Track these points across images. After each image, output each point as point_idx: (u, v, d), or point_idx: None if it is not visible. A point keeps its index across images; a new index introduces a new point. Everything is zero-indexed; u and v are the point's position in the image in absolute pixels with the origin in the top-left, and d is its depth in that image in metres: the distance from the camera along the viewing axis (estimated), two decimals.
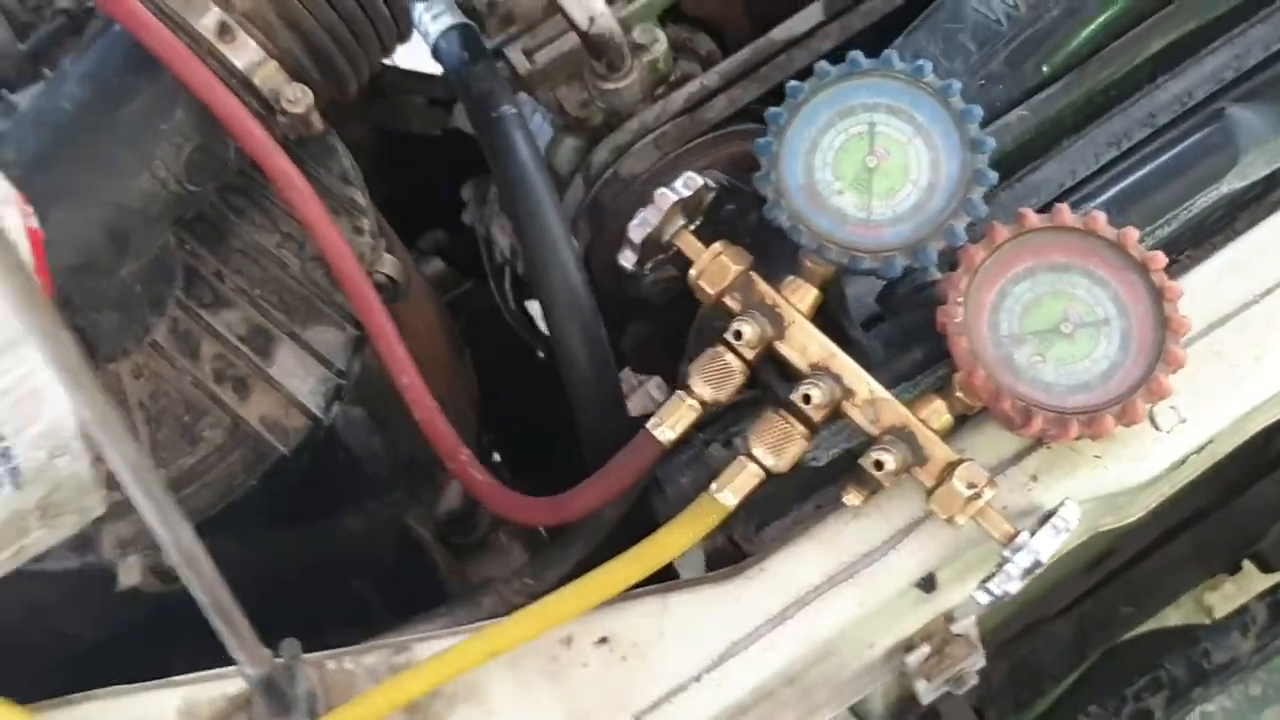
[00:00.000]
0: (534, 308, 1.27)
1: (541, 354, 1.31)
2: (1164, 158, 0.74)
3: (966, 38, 0.77)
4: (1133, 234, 0.65)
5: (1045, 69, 0.76)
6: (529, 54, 0.93)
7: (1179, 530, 1.11)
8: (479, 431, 1.10)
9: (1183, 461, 0.68)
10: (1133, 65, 0.76)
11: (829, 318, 0.71)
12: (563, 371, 0.81)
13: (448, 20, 0.90)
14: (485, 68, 0.87)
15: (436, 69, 0.99)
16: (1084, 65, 0.76)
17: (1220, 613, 1.10)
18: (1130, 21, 0.76)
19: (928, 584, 0.68)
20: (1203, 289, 0.69)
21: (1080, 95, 0.76)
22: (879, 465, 0.63)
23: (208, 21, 0.73)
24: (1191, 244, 0.73)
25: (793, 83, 0.68)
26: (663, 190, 0.68)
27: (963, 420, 0.67)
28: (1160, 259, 0.64)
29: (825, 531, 0.68)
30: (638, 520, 0.76)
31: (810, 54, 0.92)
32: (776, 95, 0.93)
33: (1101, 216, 0.65)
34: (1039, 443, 0.67)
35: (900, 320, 0.72)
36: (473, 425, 1.04)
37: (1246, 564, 1.15)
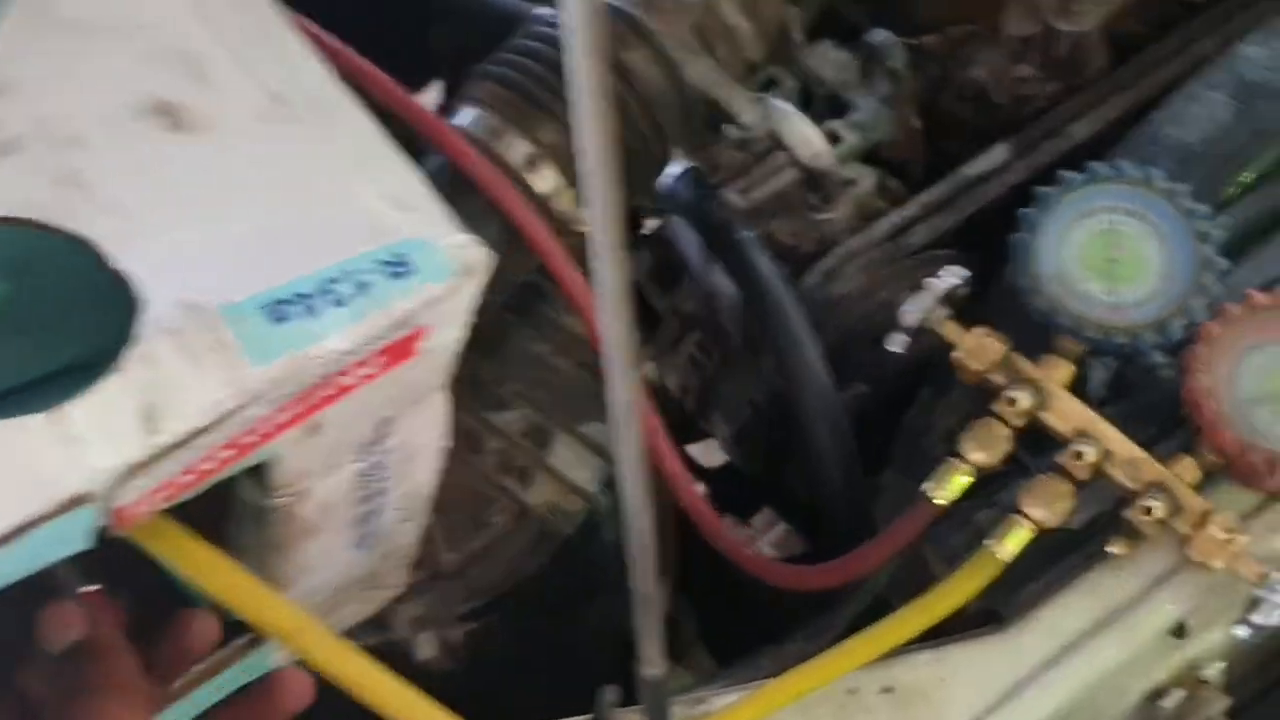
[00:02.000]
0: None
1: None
2: None
3: (1165, 160, 0.88)
4: None
5: (1239, 185, 0.87)
6: (744, 193, 1.06)
7: None
8: None
9: None
10: None
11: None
12: (809, 464, 0.90)
13: (683, 165, 1.02)
14: (719, 202, 0.99)
15: None
16: (1273, 179, 0.87)
17: None
18: None
19: (1180, 631, 0.74)
20: None
21: (1273, 204, 0.86)
22: (1148, 511, 0.71)
23: (516, 155, 0.85)
24: None
25: (1041, 189, 0.79)
26: (932, 280, 0.78)
27: (1207, 479, 0.75)
28: None
29: (1087, 583, 0.75)
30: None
31: (1001, 186, 1.04)
32: (971, 225, 1.06)
33: None
34: (1276, 498, 0.75)
35: (1133, 400, 0.81)
36: None
37: None
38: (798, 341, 0.89)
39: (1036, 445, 0.77)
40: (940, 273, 0.80)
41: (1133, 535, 0.73)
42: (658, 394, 1.35)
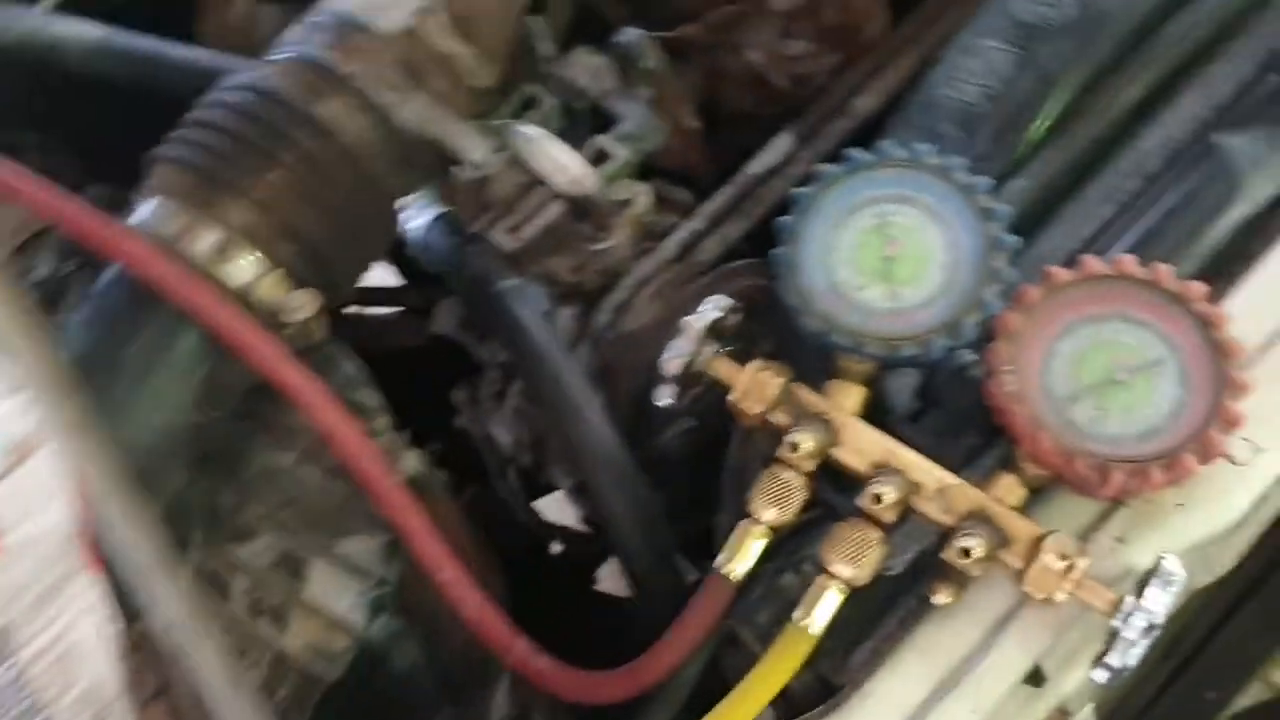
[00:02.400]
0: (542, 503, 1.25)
1: (559, 545, 1.27)
2: (1167, 200, 0.73)
3: (946, 125, 0.78)
4: (1164, 269, 0.64)
5: (1030, 139, 0.77)
6: (512, 231, 0.94)
7: (1242, 603, 1.07)
8: None
9: (1265, 497, 0.65)
10: (1113, 120, 0.77)
11: (873, 420, 0.69)
12: (610, 534, 0.78)
13: (433, 213, 0.90)
14: (477, 249, 0.87)
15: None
16: (1067, 127, 0.77)
17: None
18: (1099, 80, 0.77)
19: (1036, 678, 0.64)
20: (1245, 312, 0.67)
21: (1072, 155, 0.76)
22: (965, 553, 0.60)
23: (204, 246, 0.72)
24: (1213, 273, 0.72)
25: (795, 190, 0.68)
26: (689, 318, 0.67)
27: (1035, 494, 0.65)
28: (1199, 288, 0.63)
29: (920, 640, 0.64)
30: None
31: (789, 181, 0.93)
32: (764, 229, 0.95)
33: (1129, 258, 0.65)
34: (1117, 503, 0.64)
35: (945, 408, 0.70)
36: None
37: None
38: (574, 407, 0.78)
39: (839, 480, 0.66)
40: (700, 307, 0.68)
41: (958, 579, 0.62)
42: (492, 451, 1.23)
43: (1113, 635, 0.59)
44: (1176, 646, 1.04)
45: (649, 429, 0.96)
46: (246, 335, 0.71)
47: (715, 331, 0.68)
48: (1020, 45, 0.78)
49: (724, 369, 0.67)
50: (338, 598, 0.75)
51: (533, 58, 0.98)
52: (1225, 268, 0.72)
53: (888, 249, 0.66)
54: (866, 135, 0.94)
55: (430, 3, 0.79)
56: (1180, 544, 0.63)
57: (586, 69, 1.01)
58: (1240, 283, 0.69)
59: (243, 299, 0.73)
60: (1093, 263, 0.65)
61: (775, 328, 0.78)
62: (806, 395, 0.65)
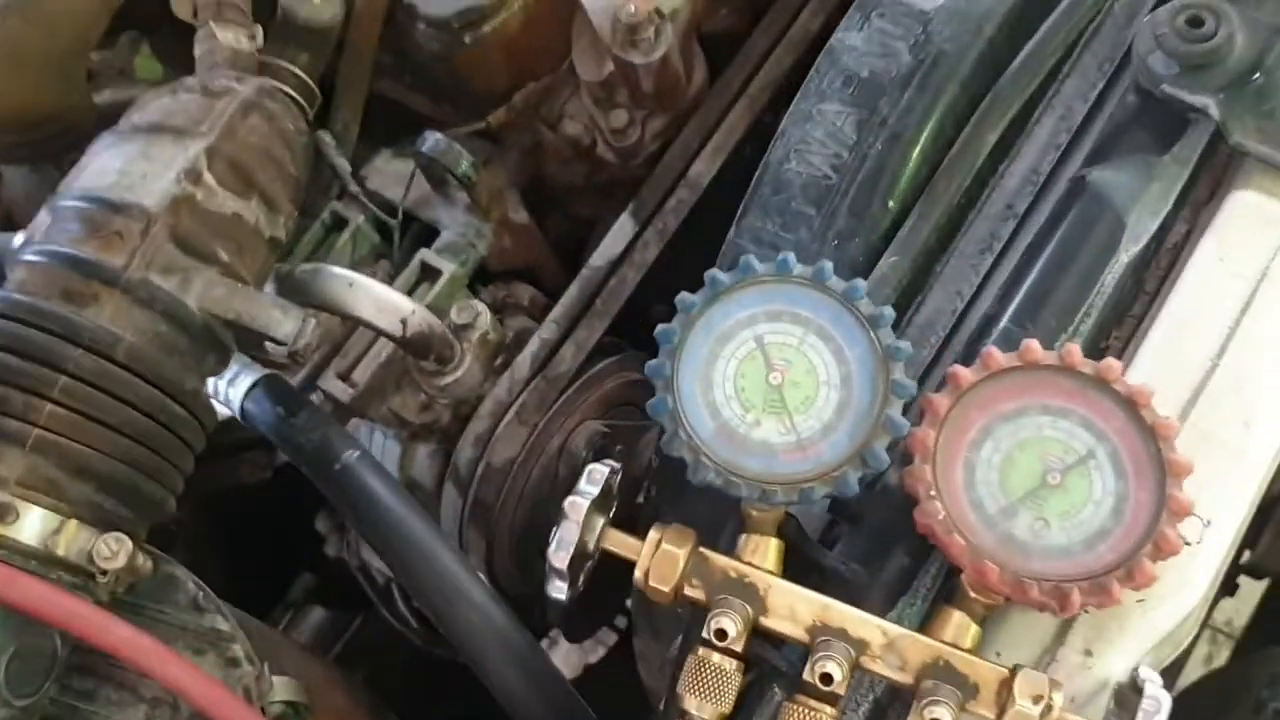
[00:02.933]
0: None
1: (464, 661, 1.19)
2: (1049, 250, 0.67)
3: (801, 203, 0.71)
4: (1074, 351, 0.58)
5: (891, 204, 0.70)
6: (344, 377, 0.84)
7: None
8: None
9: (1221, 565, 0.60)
10: (976, 166, 0.70)
11: (791, 551, 0.61)
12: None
13: (248, 380, 0.79)
14: (307, 416, 0.76)
15: None
16: (930, 186, 0.70)
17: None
18: (954, 130, 0.71)
19: None
20: (1156, 376, 0.62)
21: (940, 216, 0.69)
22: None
23: None
24: (1114, 323, 0.67)
25: (661, 327, 0.60)
26: (571, 500, 0.58)
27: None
28: (1114, 366, 0.57)
29: None
30: None
31: (638, 268, 0.86)
32: (621, 324, 0.87)
33: (1033, 345, 0.58)
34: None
35: (865, 526, 0.63)
36: None
37: (1242, 579, 1.08)
38: (454, 591, 0.68)
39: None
40: (583, 477, 0.60)
41: None
42: (370, 579, 1.13)
43: None
44: None
45: (542, 564, 0.88)
46: (46, 602, 0.60)
47: (600, 505, 0.59)
48: (860, 104, 0.71)
49: (621, 545, 0.59)
50: None
51: (330, 173, 0.88)
52: (1122, 314, 0.67)
53: (773, 375, 0.59)
54: (711, 207, 0.87)
55: (193, 160, 0.68)
56: (1150, 641, 0.58)
57: (391, 177, 0.91)
58: (1140, 341, 0.64)
59: (45, 557, 0.61)
60: (996, 356, 0.58)
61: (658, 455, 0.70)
62: (718, 561, 0.57)
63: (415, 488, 0.86)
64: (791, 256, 0.60)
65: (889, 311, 0.59)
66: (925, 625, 0.57)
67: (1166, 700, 0.53)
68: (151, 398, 0.65)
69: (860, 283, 0.60)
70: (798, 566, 0.61)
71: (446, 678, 1.21)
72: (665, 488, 0.69)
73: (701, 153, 0.86)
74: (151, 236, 0.66)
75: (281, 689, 0.69)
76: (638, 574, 0.58)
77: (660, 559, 0.57)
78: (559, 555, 0.57)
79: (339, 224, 0.90)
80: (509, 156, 0.93)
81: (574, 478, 0.85)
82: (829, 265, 0.60)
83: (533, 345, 0.84)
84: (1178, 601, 0.58)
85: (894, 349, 0.58)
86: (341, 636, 1.26)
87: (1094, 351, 0.65)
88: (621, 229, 0.86)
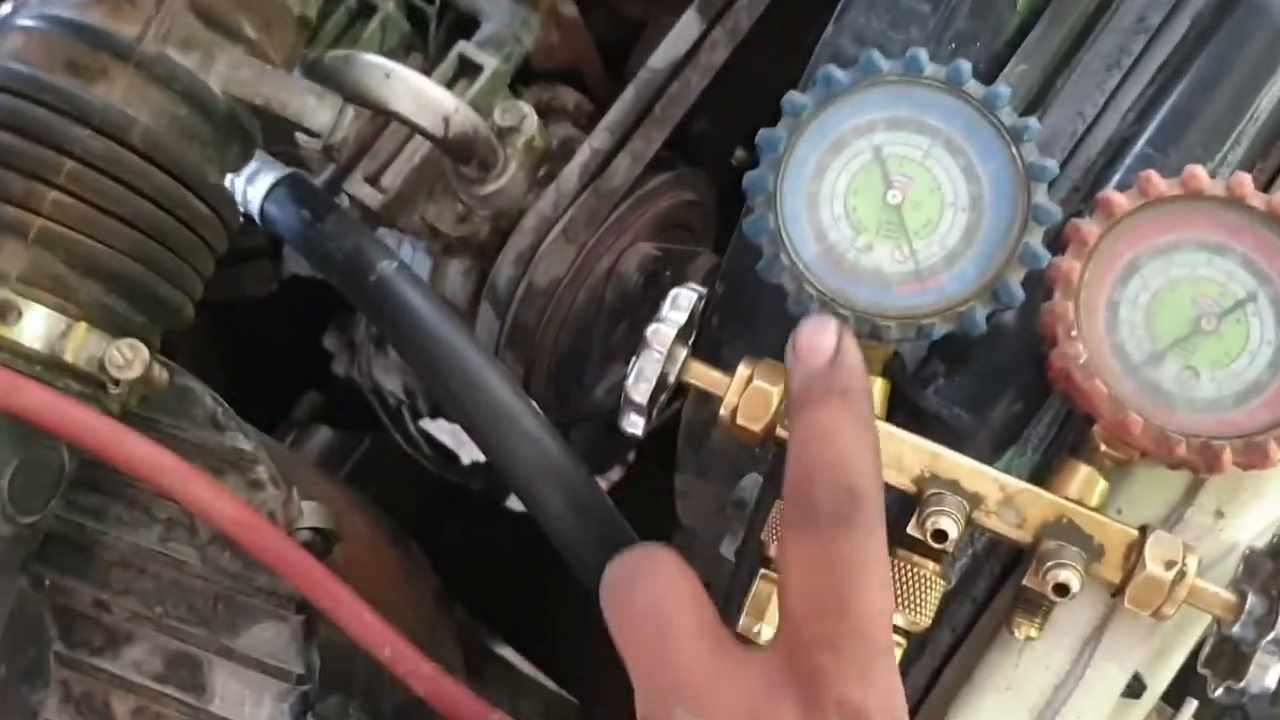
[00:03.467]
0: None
1: (475, 487, 1.14)
2: (1195, 67, 0.59)
3: (914, 0, 0.62)
4: (1245, 181, 0.51)
5: (1019, 4, 0.61)
6: (373, 180, 0.76)
7: None
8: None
9: None
10: None
11: (893, 392, 0.55)
12: (562, 551, 0.64)
13: (269, 178, 0.71)
14: (337, 221, 0.68)
15: None
16: None
17: None
18: None
19: (1136, 688, 0.53)
20: None
21: (1076, 20, 0.61)
22: (1062, 590, 0.47)
23: None
24: (1261, 154, 0.59)
25: (763, 132, 0.52)
26: (655, 328, 0.51)
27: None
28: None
29: (998, 676, 0.52)
30: None
31: (704, 73, 0.77)
32: (680, 134, 0.78)
33: (1198, 170, 0.51)
34: None
35: (972, 365, 0.57)
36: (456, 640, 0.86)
37: None
38: (505, 418, 0.61)
39: None
40: (667, 302, 0.53)
41: (1045, 607, 0.50)
42: (382, 400, 1.07)
43: (1237, 647, 0.48)
44: None
45: (580, 392, 0.82)
46: (54, 410, 0.53)
47: (683, 335, 0.52)
48: None
49: (708, 380, 0.52)
50: (254, 706, 0.59)
51: None
52: (1271, 144, 0.59)
53: (892, 193, 0.51)
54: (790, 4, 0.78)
55: None
56: None
57: None
58: None
59: (52, 362, 0.54)
60: (1155, 181, 0.51)
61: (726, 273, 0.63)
62: None
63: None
64: (923, 53, 0.52)
65: (1034, 123, 0.51)
66: (1048, 479, 0.51)
67: None
68: (169, 189, 0.57)
69: (1004, 89, 0.51)
70: (894, 409, 0.55)
71: (457, 500, 1.17)
72: (730, 317, 0.61)
73: None
74: (168, 3, 0.57)
75: (310, 514, 0.63)
76: (724, 411, 0.51)
77: (751, 396, 0.51)
78: (639, 388, 0.51)
79: (366, 10, 0.80)
80: None
81: (623, 301, 0.79)
82: (967, 66, 0.52)
83: (583, 155, 0.76)
84: None
85: (1039, 167, 0.51)
86: (349, 458, 1.21)
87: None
88: (686, 27, 0.76)
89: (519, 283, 0.76)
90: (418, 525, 0.98)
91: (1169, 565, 0.48)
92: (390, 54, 0.80)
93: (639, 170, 0.76)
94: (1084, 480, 0.50)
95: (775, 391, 0.51)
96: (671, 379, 0.52)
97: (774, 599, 0.50)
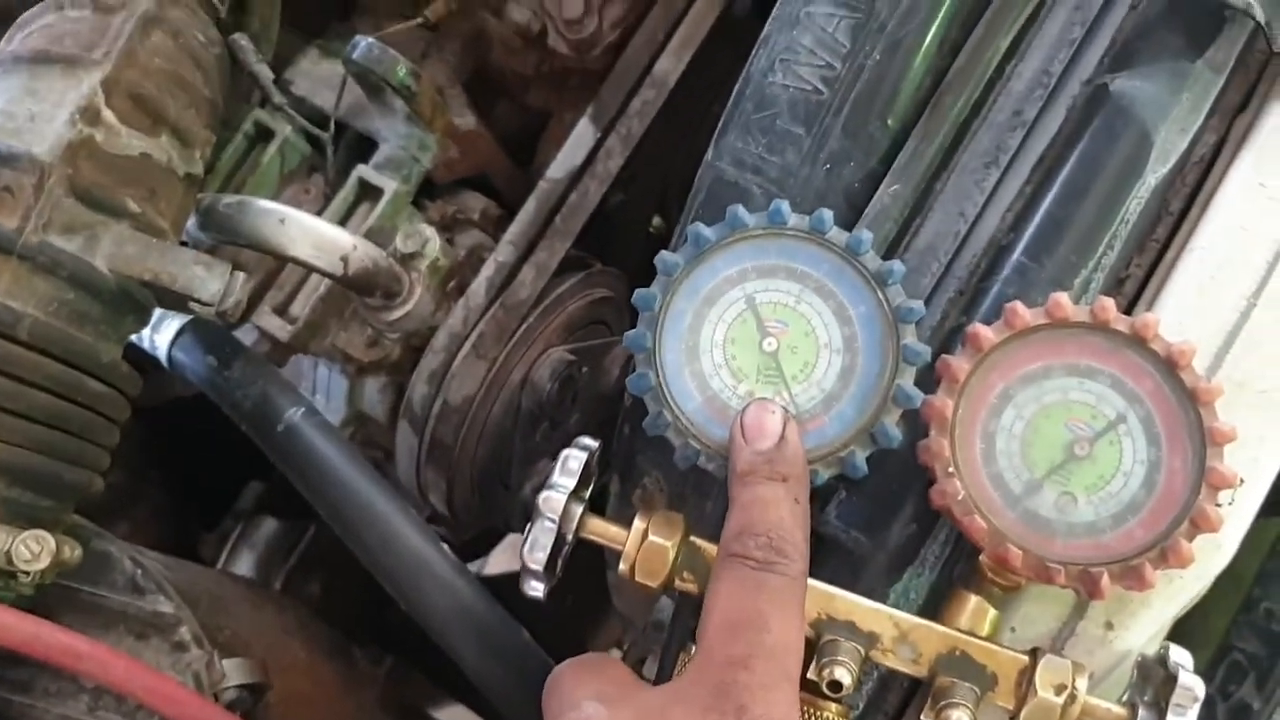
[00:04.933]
0: None
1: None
2: (1066, 171, 0.60)
3: (787, 121, 0.63)
4: (1107, 305, 0.52)
5: (891, 122, 0.62)
6: (281, 311, 0.76)
7: None
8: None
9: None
10: (987, 76, 0.63)
11: None
12: (483, 691, 0.65)
13: (174, 324, 0.71)
14: (244, 367, 0.69)
15: None
16: (934, 100, 0.62)
17: None
18: (960, 34, 0.63)
19: None
20: (1184, 317, 0.56)
21: (946, 136, 0.62)
22: None
23: None
24: (1136, 250, 0.61)
25: (639, 292, 0.53)
26: (546, 495, 0.52)
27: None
28: (1152, 321, 0.52)
29: None
30: None
31: (601, 180, 0.78)
32: (583, 242, 0.79)
33: (1064, 300, 0.52)
34: None
35: (867, 489, 0.58)
36: None
37: None
38: (417, 565, 0.62)
39: None
40: (558, 464, 0.53)
41: None
42: None
43: None
44: None
45: (506, 494, 0.83)
46: None
47: (577, 493, 0.53)
48: (854, 6, 0.62)
49: (604, 534, 0.53)
50: None
51: (251, 81, 0.78)
52: (1143, 239, 0.60)
53: (768, 340, 0.52)
54: (679, 111, 0.79)
55: (89, 96, 0.59)
56: (1176, 609, 0.54)
57: (321, 80, 0.81)
58: (1169, 277, 0.58)
59: None
60: (1020, 313, 0.52)
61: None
62: (712, 553, 0.52)
63: (366, 421, 0.80)
64: (786, 205, 0.53)
65: (898, 267, 0.52)
66: (940, 612, 0.52)
67: (1201, 688, 0.49)
68: (64, 377, 0.57)
69: (866, 235, 0.53)
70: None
71: None
72: (640, 426, 0.63)
73: (667, 47, 0.77)
74: (47, 191, 0.58)
75: (235, 671, 0.64)
76: (623, 567, 0.52)
77: (647, 553, 0.52)
78: (535, 556, 0.51)
79: (264, 135, 0.81)
80: (450, 48, 0.83)
81: (539, 408, 0.80)
82: (829, 215, 0.53)
83: (488, 270, 0.76)
84: (1207, 568, 0.54)
85: (905, 309, 0.52)
86: (296, 546, 1.21)
87: (1115, 285, 0.59)
88: (581, 137, 0.77)
89: (434, 401, 0.77)
90: (368, 605, 0.98)
91: (1059, 690, 0.50)
92: (292, 176, 0.81)
93: (544, 280, 0.77)
94: (974, 610, 0.52)
95: (670, 546, 0.52)
96: (570, 538, 0.53)
97: None
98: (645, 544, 0.52)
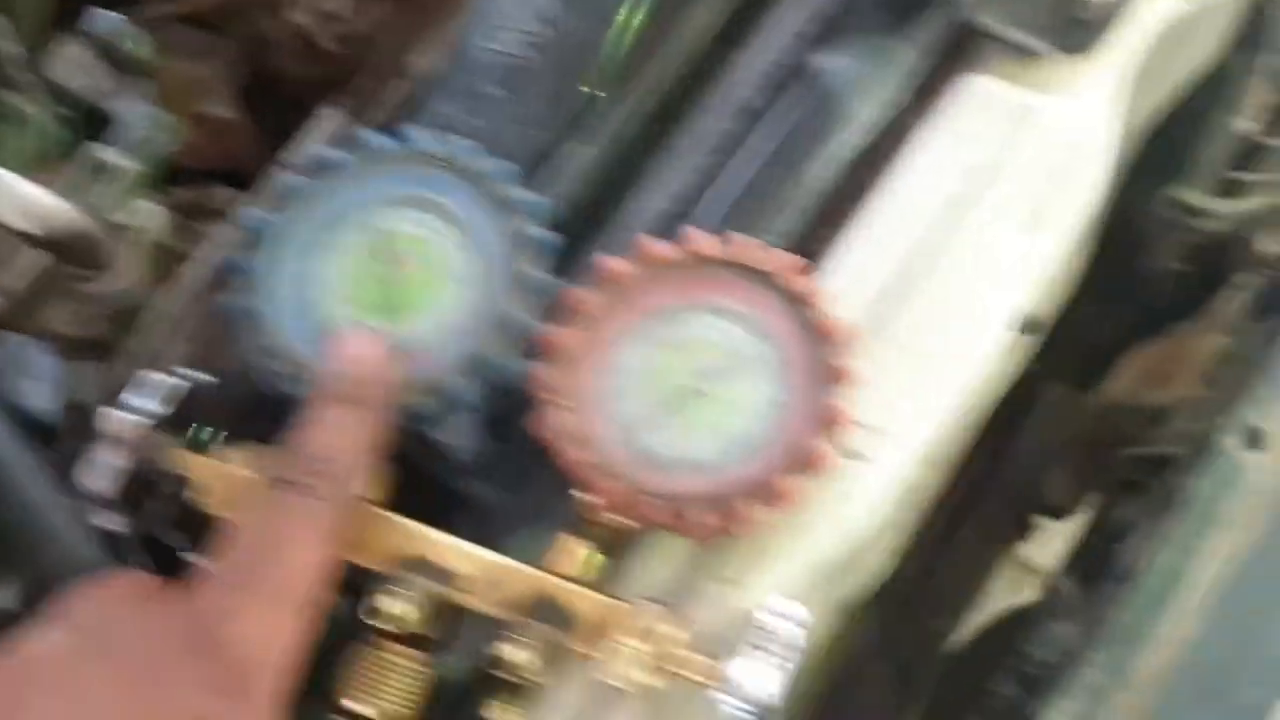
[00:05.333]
0: None
1: None
2: (759, 142, 0.59)
3: (491, 86, 0.61)
4: (742, 242, 0.49)
5: (589, 89, 0.61)
6: None
7: (958, 521, 0.98)
8: None
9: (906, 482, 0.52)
10: (693, 53, 0.62)
11: (422, 476, 0.52)
12: None
13: None
14: None
15: None
16: (634, 70, 0.61)
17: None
18: (670, 7, 0.62)
19: None
20: (852, 276, 0.54)
21: (643, 104, 0.61)
22: (512, 666, 0.44)
23: None
24: (822, 217, 0.59)
25: (245, 209, 0.50)
26: (109, 417, 0.48)
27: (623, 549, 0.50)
28: (786, 260, 0.49)
29: None
30: None
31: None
32: None
33: (698, 233, 0.50)
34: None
35: (516, 445, 0.54)
36: None
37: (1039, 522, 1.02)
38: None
39: None
40: (133, 390, 0.50)
41: (522, 690, 0.47)
42: None
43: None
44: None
45: None
46: None
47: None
48: None
49: (184, 462, 0.49)
50: None
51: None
52: (834, 211, 0.59)
53: (391, 269, 0.50)
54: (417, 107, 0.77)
55: None
56: (808, 572, 0.50)
57: (77, 64, 0.80)
58: (843, 237, 0.55)
59: None
60: (651, 245, 0.50)
61: None
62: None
63: (79, 408, 0.75)
64: (419, 130, 0.51)
65: (533, 198, 0.50)
66: (542, 556, 0.48)
67: (802, 639, 0.44)
68: None
69: (504, 163, 0.50)
70: (437, 497, 0.52)
71: None
72: None
73: (417, 46, 0.76)
74: None
75: None
76: (194, 495, 0.48)
77: (221, 480, 0.48)
78: (99, 478, 0.47)
79: (13, 117, 0.78)
80: (227, 48, 0.82)
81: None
82: (467, 143, 0.51)
83: (203, 251, 0.73)
84: (839, 523, 0.50)
85: (531, 238, 0.49)
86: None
87: (801, 252, 0.56)
88: (325, 121, 0.75)
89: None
90: None
91: (644, 635, 0.45)
92: (46, 158, 0.78)
93: None
94: (574, 554, 0.48)
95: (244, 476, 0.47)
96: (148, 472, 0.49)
97: None
98: (220, 471, 0.48)
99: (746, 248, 0.49)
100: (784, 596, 0.48)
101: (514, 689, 0.46)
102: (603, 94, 0.61)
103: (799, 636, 0.44)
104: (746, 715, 0.43)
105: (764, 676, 0.44)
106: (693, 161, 0.62)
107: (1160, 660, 0.69)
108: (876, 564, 0.56)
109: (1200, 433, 0.76)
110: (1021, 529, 1.00)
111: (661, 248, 0.50)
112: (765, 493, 0.46)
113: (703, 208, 0.59)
